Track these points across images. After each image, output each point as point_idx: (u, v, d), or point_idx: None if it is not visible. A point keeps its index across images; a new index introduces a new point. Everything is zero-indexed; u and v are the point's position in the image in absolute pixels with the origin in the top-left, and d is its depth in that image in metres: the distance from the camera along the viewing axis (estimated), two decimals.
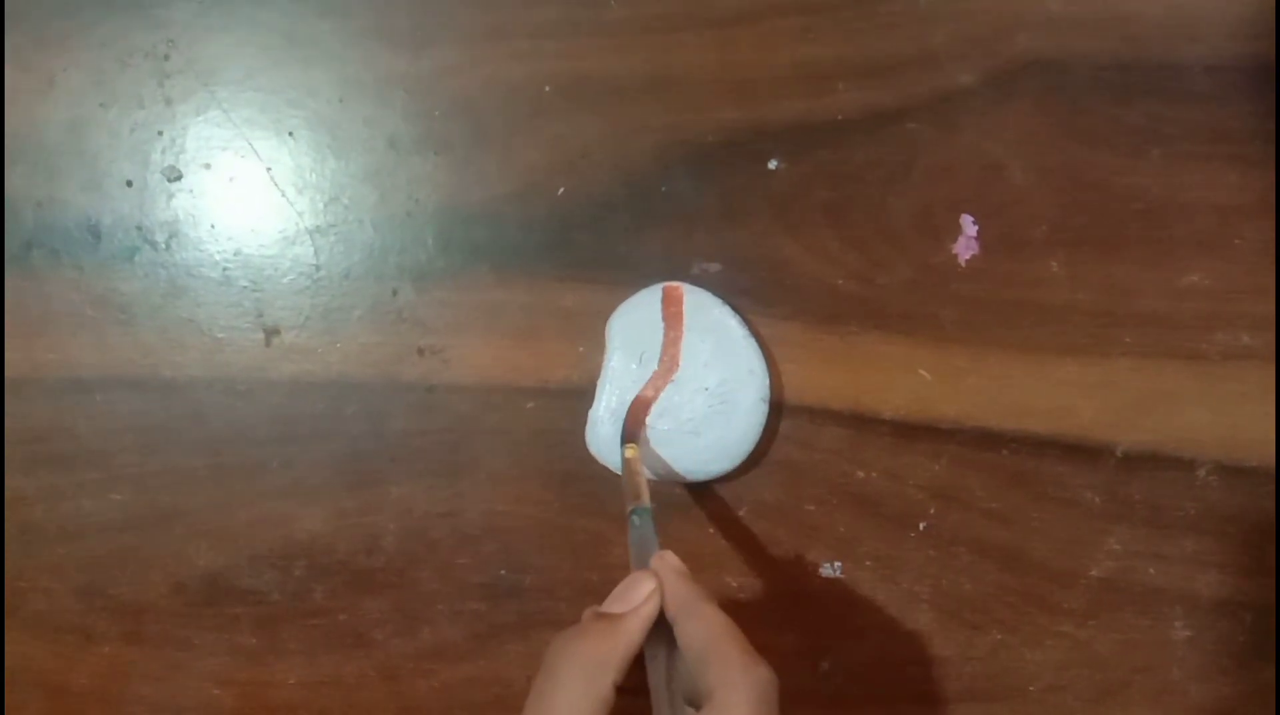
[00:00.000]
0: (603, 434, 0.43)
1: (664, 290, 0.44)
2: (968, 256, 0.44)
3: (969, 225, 0.44)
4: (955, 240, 0.44)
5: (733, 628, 0.32)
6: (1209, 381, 0.44)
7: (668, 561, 0.34)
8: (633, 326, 0.44)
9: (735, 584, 0.44)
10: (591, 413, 0.44)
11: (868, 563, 0.45)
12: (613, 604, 0.33)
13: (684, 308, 0.44)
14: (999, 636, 0.44)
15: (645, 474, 0.42)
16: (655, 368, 0.43)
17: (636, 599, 0.32)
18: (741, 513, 0.45)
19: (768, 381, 0.43)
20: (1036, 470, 0.44)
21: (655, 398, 0.43)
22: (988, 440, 0.44)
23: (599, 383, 0.44)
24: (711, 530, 0.45)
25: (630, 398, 0.43)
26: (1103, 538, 0.44)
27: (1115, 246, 0.45)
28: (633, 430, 0.42)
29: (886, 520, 0.45)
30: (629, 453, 0.41)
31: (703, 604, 0.32)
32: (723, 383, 0.43)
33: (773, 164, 0.45)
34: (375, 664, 0.45)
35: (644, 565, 0.35)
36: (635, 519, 0.37)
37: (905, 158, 0.45)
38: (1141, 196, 0.44)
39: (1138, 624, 0.44)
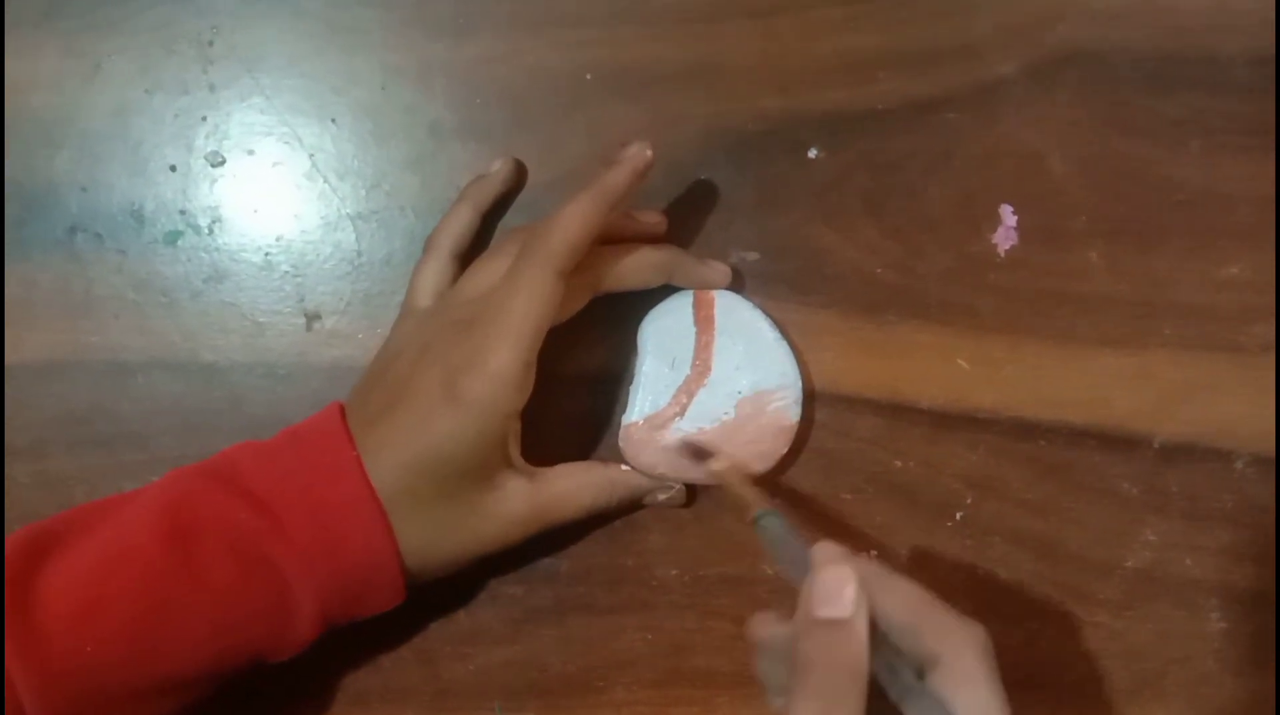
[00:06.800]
0: (637, 439, 0.43)
1: (695, 295, 0.44)
2: (1007, 247, 0.44)
3: (1008, 215, 0.44)
4: (994, 230, 0.45)
5: (930, 594, 0.32)
6: (1247, 373, 0.44)
7: (837, 550, 0.34)
8: (665, 332, 0.44)
9: (771, 572, 0.45)
10: (625, 418, 0.43)
11: (903, 552, 0.45)
12: (827, 606, 0.32)
13: (715, 311, 0.44)
14: (1034, 626, 0.44)
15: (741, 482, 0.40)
16: (688, 372, 0.43)
17: (848, 596, 0.31)
18: (776, 502, 0.45)
19: (800, 386, 0.43)
20: (1073, 461, 0.44)
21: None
22: (1025, 430, 0.44)
23: (631, 390, 0.44)
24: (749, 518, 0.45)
25: (664, 402, 0.43)
26: (1139, 529, 0.44)
27: (1154, 238, 0.45)
28: (703, 449, 0.42)
29: (922, 510, 0.45)
30: (719, 466, 0.41)
31: (893, 577, 0.33)
32: (754, 386, 0.43)
33: (812, 153, 0.45)
34: (411, 647, 0.46)
35: (798, 561, 0.34)
36: (764, 523, 0.36)
37: (945, 147, 0.45)
38: (1181, 188, 0.44)
39: (1174, 615, 0.44)
